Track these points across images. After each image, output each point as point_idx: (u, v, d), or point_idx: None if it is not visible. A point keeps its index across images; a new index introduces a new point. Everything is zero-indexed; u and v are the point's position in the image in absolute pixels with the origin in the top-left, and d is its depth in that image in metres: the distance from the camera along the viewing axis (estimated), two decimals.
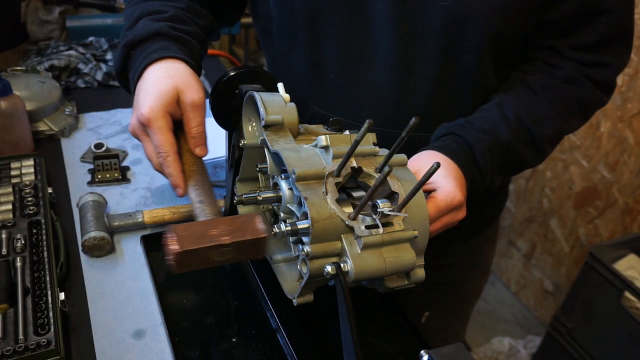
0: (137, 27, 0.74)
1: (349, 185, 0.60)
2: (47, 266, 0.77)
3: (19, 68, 1.31)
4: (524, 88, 0.80)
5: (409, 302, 0.83)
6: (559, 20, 0.77)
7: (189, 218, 0.93)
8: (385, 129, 0.81)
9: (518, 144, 0.76)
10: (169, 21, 0.75)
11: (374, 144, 0.61)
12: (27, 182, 0.92)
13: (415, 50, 0.76)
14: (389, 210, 0.53)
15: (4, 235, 0.81)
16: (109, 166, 1.03)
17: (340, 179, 0.57)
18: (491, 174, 0.74)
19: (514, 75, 0.83)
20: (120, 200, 0.99)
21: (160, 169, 0.70)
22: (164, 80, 0.68)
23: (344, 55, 0.80)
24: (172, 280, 0.82)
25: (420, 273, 0.59)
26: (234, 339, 0.73)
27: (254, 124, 0.72)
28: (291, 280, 0.63)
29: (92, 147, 1.10)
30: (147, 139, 0.69)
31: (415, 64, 0.77)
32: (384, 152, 0.61)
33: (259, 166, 0.69)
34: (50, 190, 0.94)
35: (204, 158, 0.75)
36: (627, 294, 1.52)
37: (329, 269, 0.52)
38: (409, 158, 0.63)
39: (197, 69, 0.75)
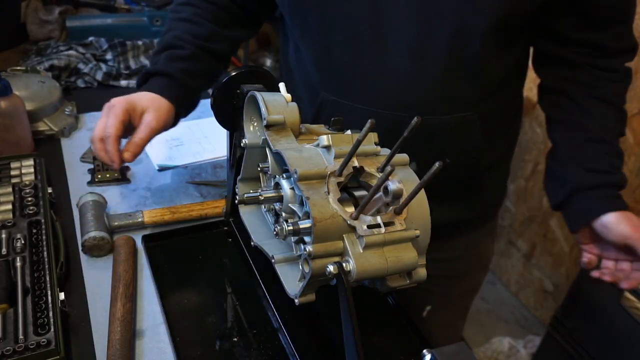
0: (160, 60, 0.90)
1: (351, 185, 0.59)
2: (47, 266, 0.76)
3: (19, 68, 1.31)
4: (607, 106, 0.86)
5: (411, 296, 0.84)
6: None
7: (188, 219, 0.93)
8: (396, 113, 0.82)
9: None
10: (185, 61, 0.89)
11: (376, 144, 0.61)
12: (27, 182, 0.92)
13: (427, 32, 0.77)
14: (399, 184, 0.51)
15: (3, 235, 0.81)
16: (108, 166, 1.03)
17: (342, 179, 0.56)
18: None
19: (592, 94, 0.87)
20: (120, 200, 0.99)
21: (97, 145, 0.83)
22: (144, 98, 0.86)
23: (354, 40, 0.81)
24: (173, 280, 0.82)
25: (422, 272, 0.59)
26: (235, 339, 0.73)
27: (255, 124, 0.72)
28: (293, 280, 0.63)
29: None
30: (105, 117, 0.84)
31: (425, 47, 0.78)
32: (386, 151, 0.61)
33: (260, 166, 0.69)
34: (50, 190, 0.94)
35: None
36: (627, 294, 1.52)
37: (331, 268, 0.52)
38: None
39: (182, 111, 0.91)
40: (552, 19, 0.82)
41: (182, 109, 0.91)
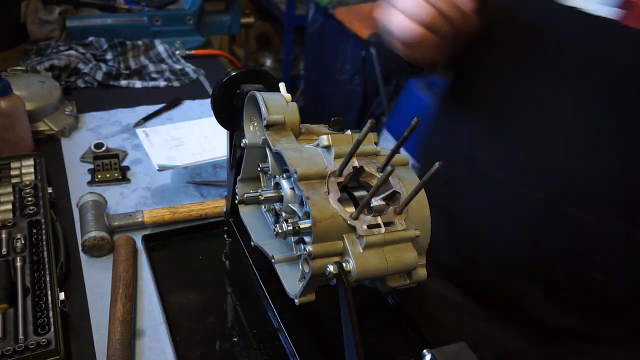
0: None
1: (351, 185, 0.59)
2: (47, 266, 0.76)
3: (19, 68, 1.31)
4: None
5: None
6: None
7: (188, 218, 0.94)
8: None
9: None
10: None
11: (376, 144, 0.61)
12: (27, 182, 0.92)
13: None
14: (382, 202, 0.52)
15: (4, 235, 0.81)
16: (109, 166, 1.03)
17: (342, 179, 0.56)
18: None
19: None
20: (120, 200, 0.99)
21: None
22: None
23: None
24: (173, 280, 0.82)
25: (422, 272, 0.59)
26: (235, 339, 0.73)
27: (255, 124, 0.72)
28: (293, 280, 0.63)
29: (92, 147, 1.10)
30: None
31: None
32: (386, 151, 0.61)
33: (260, 166, 0.69)
34: (50, 190, 0.94)
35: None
36: None
37: (331, 268, 0.52)
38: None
39: None
40: None
41: None
